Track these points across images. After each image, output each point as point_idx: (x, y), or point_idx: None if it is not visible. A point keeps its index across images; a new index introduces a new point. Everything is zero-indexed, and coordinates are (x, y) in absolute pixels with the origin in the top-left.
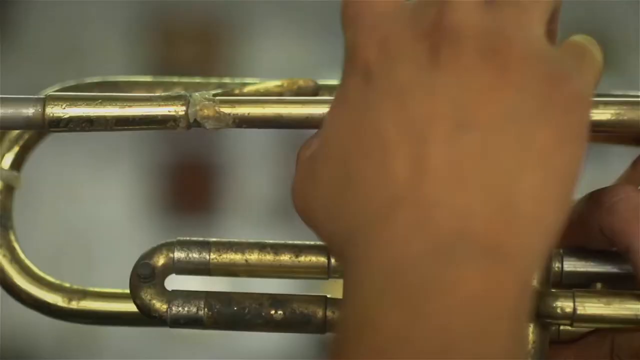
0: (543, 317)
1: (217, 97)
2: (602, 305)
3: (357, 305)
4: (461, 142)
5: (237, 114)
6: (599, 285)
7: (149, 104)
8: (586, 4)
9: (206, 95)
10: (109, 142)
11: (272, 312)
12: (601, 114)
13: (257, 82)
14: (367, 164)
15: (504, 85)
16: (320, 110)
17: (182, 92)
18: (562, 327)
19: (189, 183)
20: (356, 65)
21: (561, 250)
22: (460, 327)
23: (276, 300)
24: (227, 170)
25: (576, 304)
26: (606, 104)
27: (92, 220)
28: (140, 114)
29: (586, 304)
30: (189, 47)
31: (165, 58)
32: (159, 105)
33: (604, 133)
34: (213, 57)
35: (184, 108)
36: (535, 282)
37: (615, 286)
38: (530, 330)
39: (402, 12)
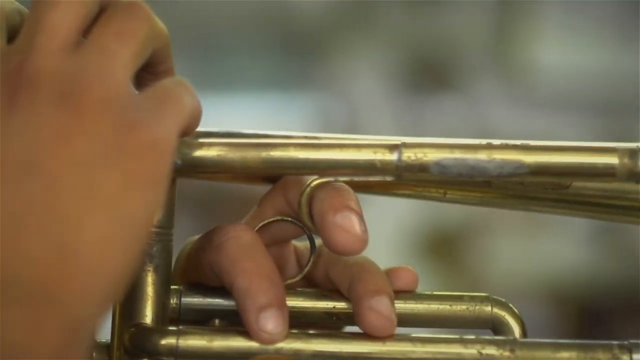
0: (151, 353)
1: None
2: (204, 341)
3: None
4: (26, 188)
5: None
6: (217, 321)
7: None
8: (431, 25)
9: None
10: None
11: None
12: (204, 154)
13: None
14: None
15: (75, 131)
16: None
17: None
18: None
19: None
20: None
21: (181, 287)
22: None
23: None
24: None
25: (179, 340)
26: (210, 145)
27: None
28: None
29: (189, 340)
30: None
31: None
32: None
33: (210, 173)
34: None
35: None
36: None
37: (235, 322)
38: None
39: None
